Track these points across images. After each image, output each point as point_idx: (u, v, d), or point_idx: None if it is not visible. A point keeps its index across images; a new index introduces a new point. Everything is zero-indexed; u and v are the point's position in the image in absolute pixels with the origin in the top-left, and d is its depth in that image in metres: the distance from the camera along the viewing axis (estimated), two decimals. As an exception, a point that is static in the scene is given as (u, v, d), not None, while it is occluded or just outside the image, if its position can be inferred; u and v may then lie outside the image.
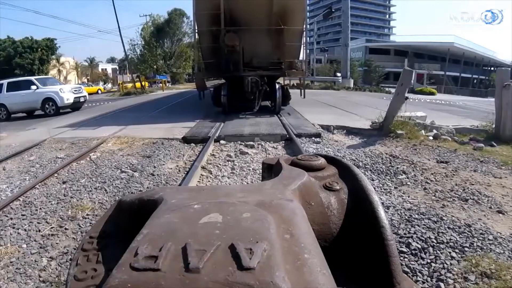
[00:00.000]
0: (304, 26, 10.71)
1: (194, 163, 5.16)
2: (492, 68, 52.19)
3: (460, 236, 2.93)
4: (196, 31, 10.90)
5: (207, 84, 12.44)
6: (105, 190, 4.39)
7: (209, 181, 4.62)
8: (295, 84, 13.72)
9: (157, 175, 4.91)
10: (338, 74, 26.34)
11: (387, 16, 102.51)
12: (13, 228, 3.42)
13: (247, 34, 9.44)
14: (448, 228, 3.07)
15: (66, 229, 3.35)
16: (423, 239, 2.85)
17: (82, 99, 15.97)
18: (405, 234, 2.95)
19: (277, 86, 9.81)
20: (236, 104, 10.14)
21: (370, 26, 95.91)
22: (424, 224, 3.12)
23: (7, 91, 14.78)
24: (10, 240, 3.18)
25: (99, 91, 39.30)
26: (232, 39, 9.15)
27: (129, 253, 0.41)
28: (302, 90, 11.18)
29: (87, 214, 3.65)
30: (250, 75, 9.27)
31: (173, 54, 44.70)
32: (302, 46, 11.21)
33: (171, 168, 5.24)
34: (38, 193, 4.37)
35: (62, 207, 3.88)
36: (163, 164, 5.45)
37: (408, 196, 3.89)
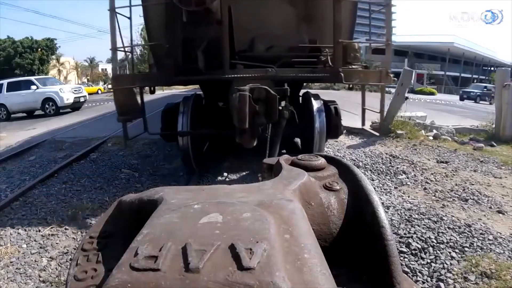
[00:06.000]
0: None
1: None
2: (492, 68, 52.29)
3: (460, 236, 2.93)
4: None
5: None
6: (105, 190, 4.39)
7: (209, 182, 4.62)
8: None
9: (158, 175, 4.92)
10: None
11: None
12: (13, 228, 3.42)
13: None
14: (448, 228, 3.07)
15: (66, 229, 3.35)
16: (423, 239, 2.85)
17: (82, 99, 15.98)
18: (405, 234, 2.94)
19: (315, 105, 4.36)
20: (217, 154, 5.26)
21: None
22: (424, 224, 3.12)
23: (7, 91, 14.79)
24: (10, 240, 3.18)
25: (99, 91, 39.29)
26: None
27: (129, 253, 0.41)
28: (381, 117, 5.49)
29: (87, 214, 3.65)
30: (248, 79, 3.70)
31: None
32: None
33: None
34: (38, 193, 4.36)
35: (62, 207, 3.88)
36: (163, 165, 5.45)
37: (408, 196, 3.89)
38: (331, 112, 4.52)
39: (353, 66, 4.53)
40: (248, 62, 4.06)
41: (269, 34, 4.47)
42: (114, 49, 4.40)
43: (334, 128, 4.55)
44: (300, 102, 4.93)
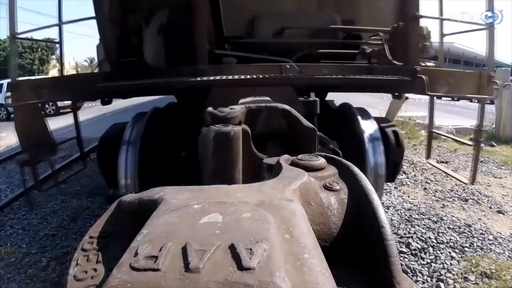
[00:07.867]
0: None
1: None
2: (492, 68, 52.25)
3: (460, 236, 2.93)
4: None
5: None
6: (105, 190, 4.39)
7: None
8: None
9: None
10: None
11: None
12: (13, 228, 3.42)
13: None
14: (448, 228, 3.07)
15: (66, 229, 3.35)
16: (423, 239, 2.85)
17: (82, 99, 15.98)
18: (405, 234, 2.95)
19: (366, 129, 2.26)
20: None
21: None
22: (424, 224, 3.12)
23: (7, 91, 14.81)
24: (10, 240, 3.18)
25: (99, 91, 39.21)
26: None
27: (129, 253, 0.41)
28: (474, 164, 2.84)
29: (87, 214, 3.65)
30: (244, 84, 1.90)
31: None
32: None
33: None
34: (38, 193, 4.36)
35: (62, 207, 3.88)
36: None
37: (408, 196, 3.89)
38: (389, 141, 2.41)
39: (428, 64, 2.65)
40: (245, 53, 2.42)
41: (278, 10, 2.88)
42: (14, 36, 2.61)
43: (393, 166, 2.44)
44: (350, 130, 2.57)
